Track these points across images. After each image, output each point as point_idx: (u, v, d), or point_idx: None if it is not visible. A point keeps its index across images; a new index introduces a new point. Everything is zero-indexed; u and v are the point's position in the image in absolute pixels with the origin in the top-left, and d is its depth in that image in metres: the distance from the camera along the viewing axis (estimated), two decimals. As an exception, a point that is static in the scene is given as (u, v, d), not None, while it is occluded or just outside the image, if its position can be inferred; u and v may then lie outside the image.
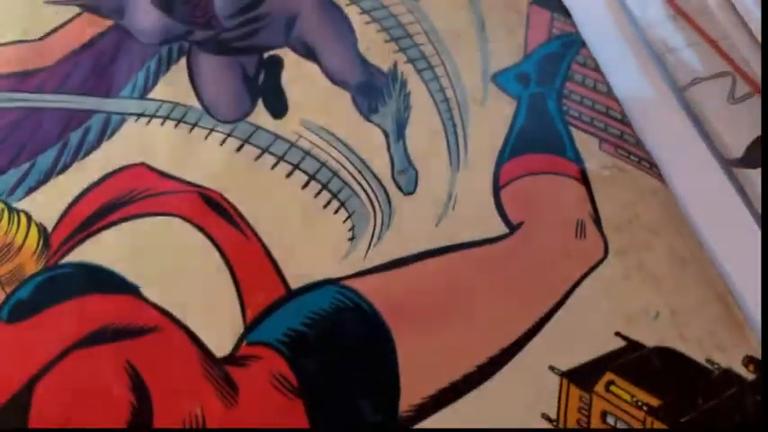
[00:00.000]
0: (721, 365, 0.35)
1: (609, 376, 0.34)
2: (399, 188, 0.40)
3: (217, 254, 0.37)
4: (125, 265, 0.37)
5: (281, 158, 0.41)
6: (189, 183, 0.40)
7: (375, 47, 0.45)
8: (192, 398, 0.33)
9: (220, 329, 0.35)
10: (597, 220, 0.39)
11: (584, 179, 0.40)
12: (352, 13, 0.46)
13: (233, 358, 0.34)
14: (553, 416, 0.33)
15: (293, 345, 0.35)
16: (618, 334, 0.36)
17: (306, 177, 0.40)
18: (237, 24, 0.45)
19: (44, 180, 0.40)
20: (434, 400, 0.34)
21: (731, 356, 0.35)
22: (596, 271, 0.37)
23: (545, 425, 0.33)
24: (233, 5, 0.45)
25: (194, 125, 0.42)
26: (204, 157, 0.40)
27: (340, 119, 0.42)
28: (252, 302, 0.36)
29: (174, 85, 0.43)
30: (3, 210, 0.38)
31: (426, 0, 0.47)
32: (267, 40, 0.45)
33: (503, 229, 0.39)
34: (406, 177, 0.40)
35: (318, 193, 0.40)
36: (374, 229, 0.39)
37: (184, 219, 0.38)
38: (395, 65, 0.44)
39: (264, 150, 0.41)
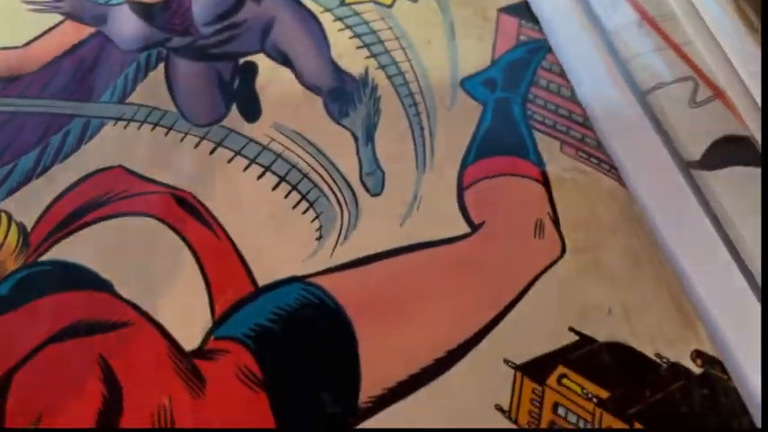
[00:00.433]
0: (670, 359, 0.36)
1: (561, 369, 0.36)
2: (367, 189, 0.41)
3: (188, 252, 0.39)
4: (99, 263, 0.39)
5: (252, 161, 0.42)
6: (164, 184, 0.41)
7: (348, 53, 0.46)
8: (160, 389, 0.35)
9: (190, 324, 0.37)
10: (556, 221, 0.40)
11: (544, 181, 0.42)
12: (326, 20, 0.48)
13: (201, 352, 0.36)
14: (506, 407, 0.35)
15: (259, 339, 0.36)
16: (571, 329, 0.37)
17: (276, 179, 0.42)
18: (214, 32, 0.47)
19: (25, 181, 0.41)
20: (393, 391, 0.35)
21: (680, 351, 0.36)
22: (553, 269, 0.39)
23: (498, 416, 0.35)
24: (210, 13, 0.47)
25: (170, 128, 0.43)
26: (179, 160, 0.42)
27: (311, 123, 0.44)
28: (221, 299, 0.38)
29: (151, 91, 0.45)
30: (-15, 210, 0.40)
31: (399, 7, 0.48)
32: (243, 46, 0.47)
33: (465, 229, 0.40)
34: (374, 179, 0.42)
35: (288, 194, 0.41)
36: (341, 228, 0.40)
37: (158, 219, 0.40)
38: (366, 71, 0.46)
39: (237, 153, 0.43)
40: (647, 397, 0.35)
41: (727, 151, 0.42)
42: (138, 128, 0.43)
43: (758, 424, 0.34)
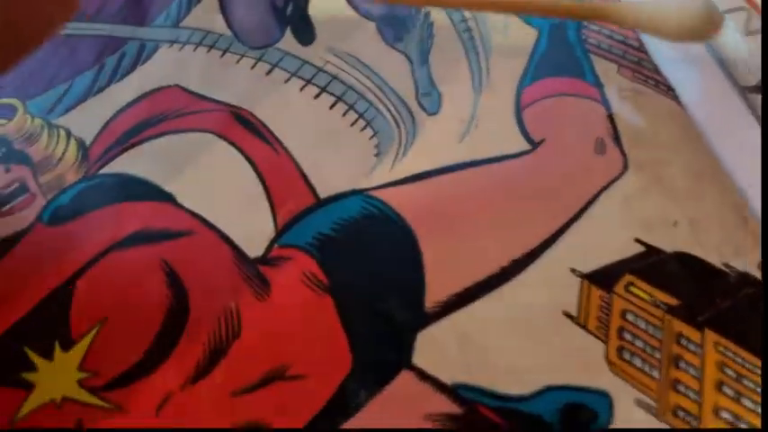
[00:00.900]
0: (738, 269, 0.36)
1: (628, 278, 0.35)
2: (423, 109, 0.41)
3: (248, 166, 0.39)
4: (160, 177, 0.39)
5: (308, 82, 0.42)
6: (221, 102, 0.41)
7: (400, -19, 0.46)
8: (226, 294, 0.35)
9: (252, 234, 0.37)
10: (616, 138, 0.40)
11: (603, 100, 0.41)
12: (378, -51, 0.47)
13: (265, 259, 0.36)
14: (574, 313, 0.34)
15: (323, 247, 0.36)
16: (637, 240, 0.37)
17: (333, 99, 0.41)
18: (266, -41, 0.46)
19: (82, 99, 0.41)
20: (459, 297, 0.35)
21: (747, 262, 0.36)
22: (615, 184, 0.38)
23: (566, 322, 0.34)
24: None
25: (225, 51, 0.43)
26: (235, 80, 0.42)
27: (365, 46, 0.44)
28: (282, 210, 0.37)
29: (205, 15, 0.44)
30: (43, 126, 0.40)
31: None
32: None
33: (525, 146, 0.40)
34: (430, 99, 0.42)
35: (345, 113, 0.41)
36: (399, 145, 0.40)
37: (217, 134, 0.40)
38: (419, -3, 0.45)
39: (293, 74, 0.42)
40: (717, 304, 0.34)
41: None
42: (194, 50, 0.43)
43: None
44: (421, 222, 0.37)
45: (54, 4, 0.27)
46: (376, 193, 0.38)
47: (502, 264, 0.36)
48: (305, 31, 0.44)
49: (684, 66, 0.43)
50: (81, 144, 0.39)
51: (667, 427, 0.32)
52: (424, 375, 0.33)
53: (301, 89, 0.42)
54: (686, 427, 0.31)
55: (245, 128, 0.40)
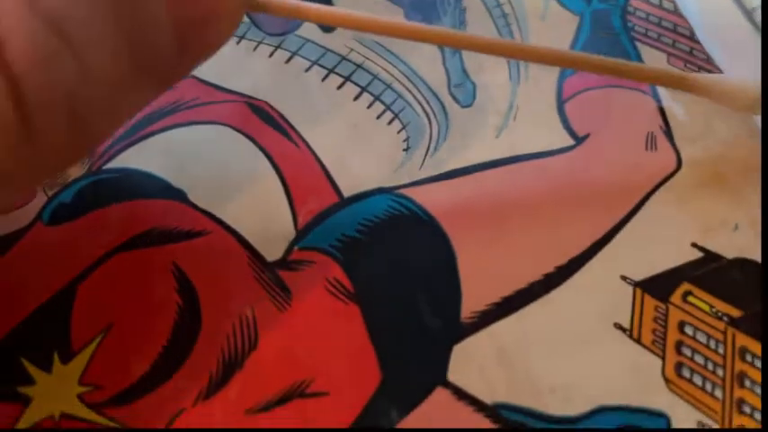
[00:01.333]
0: (808, 278, 0.32)
1: (686, 287, 0.32)
2: (457, 101, 0.38)
3: (266, 161, 0.36)
4: (170, 172, 0.35)
5: (331, 71, 0.39)
6: (237, 93, 0.38)
7: (429, -35, 0.43)
8: (242, 300, 0.31)
9: (270, 235, 0.33)
10: (668, 133, 0.36)
11: (652, 92, 0.38)
12: (405, -69, 0.44)
13: (285, 262, 0.32)
14: (626, 325, 0.31)
15: (347, 250, 0.33)
16: (694, 245, 0.33)
17: (358, 89, 0.38)
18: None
19: (87, 89, 0.38)
20: (498, 306, 0.31)
21: (818, 269, 0.32)
22: (669, 182, 0.35)
23: (617, 334, 0.31)
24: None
25: (242, 37, 0.40)
26: (252, 69, 0.39)
27: (393, 34, 0.40)
28: (303, 210, 0.34)
29: (220, -1, 0.41)
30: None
31: None
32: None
33: (568, 141, 0.36)
34: (464, 90, 0.38)
35: (371, 104, 0.38)
36: (430, 139, 0.37)
37: (232, 127, 0.37)
38: (449, -18, 0.42)
39: (314, 63, 0.39)
40: (785, 316, 0.31)
41: None
42: (208, 36, 0.40)
43: None
44: (455, 224, 0.33)
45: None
46: (405, 192, 0.34)
47: (545, 270, 0.32)
48: (327, 17, 0.40)
49: (738, 58, 0.40)
50: (86, 137, 0.36)
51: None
52: (461, 393, 0.29)
53: (323, 79, 0.38)
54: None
55: (262, 120, 0.36)
